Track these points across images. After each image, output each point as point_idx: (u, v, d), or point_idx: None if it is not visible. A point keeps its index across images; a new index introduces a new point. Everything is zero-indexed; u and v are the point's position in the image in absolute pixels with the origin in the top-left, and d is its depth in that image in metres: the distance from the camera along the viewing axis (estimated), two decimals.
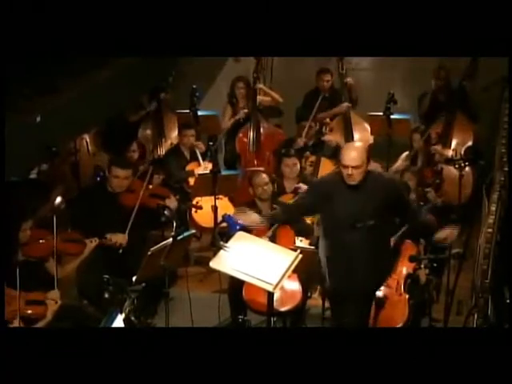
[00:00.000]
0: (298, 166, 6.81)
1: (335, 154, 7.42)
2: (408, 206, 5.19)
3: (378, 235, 4.94)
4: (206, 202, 6.99)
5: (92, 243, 5.61)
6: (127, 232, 5.87)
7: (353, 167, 4.80)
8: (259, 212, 6.16)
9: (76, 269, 5.67)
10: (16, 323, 4.74)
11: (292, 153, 6.83)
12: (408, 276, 5.71)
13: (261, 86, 7.91)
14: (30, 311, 4.88)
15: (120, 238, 5.85)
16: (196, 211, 6.99)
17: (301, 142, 7.69)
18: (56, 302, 4.99)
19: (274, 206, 6.07)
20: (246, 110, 7.80)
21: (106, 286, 5.38)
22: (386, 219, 5.01)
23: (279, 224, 5.72)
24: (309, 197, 5.23)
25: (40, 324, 4.91)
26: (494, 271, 5.22)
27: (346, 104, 7.84)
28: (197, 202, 6.99)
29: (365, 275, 4.93)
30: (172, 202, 6.21)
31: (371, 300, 5.21)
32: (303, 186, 6.50)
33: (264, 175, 6.28)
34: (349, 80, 7.94)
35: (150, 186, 6.56)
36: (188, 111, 7.76)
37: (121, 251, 5.83)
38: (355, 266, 4.90)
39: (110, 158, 6.59)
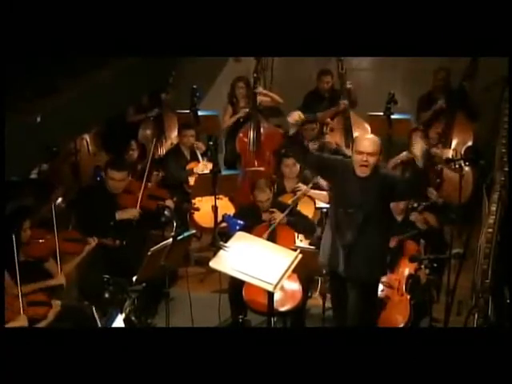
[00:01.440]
0: (298, 166, 6.81)
1: (335, 154, 7.44)
2: (403, 190, 5.13)
3: (375, 224, 5.00)
4: (206, 201, 6.99)
5: (92, 243, 5.62)
6: (138, 207, 5.99)
7: (368, 153, 4.90)
8: (259, 213, 6.18)
9: (76, 268, 5.68)
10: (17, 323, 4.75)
11: None
12: (409, 276, 5.71)
13: (260, 89, 7.91)
14: (31, 312, 4.88)
15: (133, 212, 5.96)
16: (193, 213, 6.99)
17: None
18: (58, 304, 5.01)
19: (271, 210, 6.08)
20: (246, 110, 7.80)
21: (106, 285, 5.38)
22: (383, 209, 5.07)
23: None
24: (330, 158, 5.39)
25: (41, 324, 4.91)
26: (495, 271, 5.22)
27: (343, 102, 7.85)
28: (194, 204, 6.99)
29: (358, 261, 5.00)
30: (169, 204, 6.21)
31: (370, 292, 5.18)
32: (302, 186, 6.50)
33: (267, 191, 6.15)
34: (349, 85, 7.95)
35: (149, 184, 6.58)
36: (188, 111, 7.76)
37: (124, 243, 5.86)
38: (349, 249, 5.01)
39: (106, 160, 6.60)
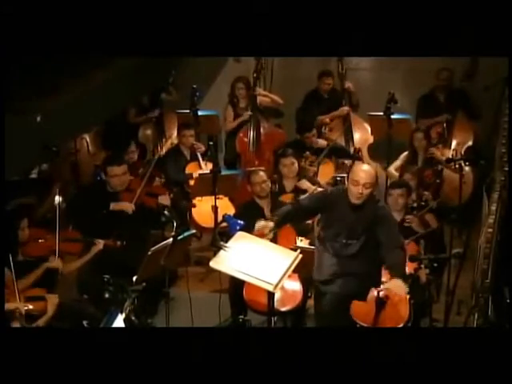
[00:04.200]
0: (296, 165, 6.81)
1: (332, 150, 7.46)
2: (387, 238, 5.07)
3: (365, 252, 5.08)
4: (206, 201, 6.99)
5: (99, 245, 5.63)
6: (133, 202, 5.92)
7: (363, 186, 4.92)
8: (261, 210, 6.19)
9: (77, 268, 5.69)
10: (16, 321, 4.74)
11: (288, 152, 6.85)
12: (409, 276, 5.70)
13: (259, 90, 7.91)
14: (30, 307, 4.89)
15: (126, 206, 5.93)
16: (191, 208, 6.99)
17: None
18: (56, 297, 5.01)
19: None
20: (249, 113, 7.80)
21: (106, 285, 5.38)
22: (372, 240, 5.09)
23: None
24: (311, 202, 5.36)
25: (41, 320, 4.91)
26: (494, 271, 5.22)
27: (345, 108, 7.87)
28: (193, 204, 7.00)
29: (345, 283, 5.10)
30: (165, 200, 6.22)
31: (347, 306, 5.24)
32: (306, 183, 6.54)
33: (262, 173, 6.32)
34: (349, 86, 7.95)
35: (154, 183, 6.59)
36: (188, 111, 7.76)
37: (121, 243, 5.86)
38: (339, 273, 5.10)
39: (102, 161, 6.59)
